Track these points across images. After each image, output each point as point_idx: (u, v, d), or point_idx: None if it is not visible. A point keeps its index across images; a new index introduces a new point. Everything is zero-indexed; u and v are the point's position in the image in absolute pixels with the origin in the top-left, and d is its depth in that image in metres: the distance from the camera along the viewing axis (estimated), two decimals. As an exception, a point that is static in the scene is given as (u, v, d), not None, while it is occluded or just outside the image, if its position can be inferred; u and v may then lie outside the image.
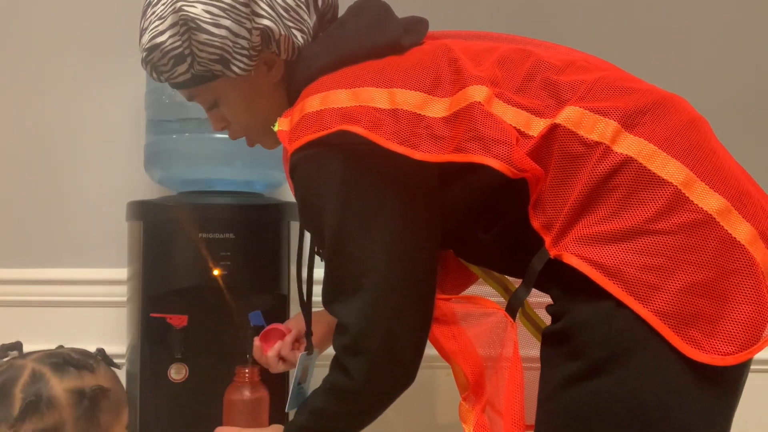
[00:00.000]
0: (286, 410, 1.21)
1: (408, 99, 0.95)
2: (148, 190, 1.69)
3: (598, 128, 0.89)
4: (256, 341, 1.27)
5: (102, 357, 1.07)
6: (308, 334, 1.21)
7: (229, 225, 1.44)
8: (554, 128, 0.90)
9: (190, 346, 1.44)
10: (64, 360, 1.01)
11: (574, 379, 0.86)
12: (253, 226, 1.47)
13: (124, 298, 1.58)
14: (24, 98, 1.88)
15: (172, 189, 1.64)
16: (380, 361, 0.99)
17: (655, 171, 0.86)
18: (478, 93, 0.93)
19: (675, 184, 0.85)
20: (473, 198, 0.98)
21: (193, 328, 1.43)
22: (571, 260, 0.86)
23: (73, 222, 1.86)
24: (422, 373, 1.02)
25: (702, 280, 0.83)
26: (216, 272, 1.42)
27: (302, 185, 1.00)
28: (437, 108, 0.94)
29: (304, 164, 0.98)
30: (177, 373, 1.44)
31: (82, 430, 0.98)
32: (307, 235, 1.16)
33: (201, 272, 1.42)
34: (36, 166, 1.88)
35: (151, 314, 1.44)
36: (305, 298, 1.20)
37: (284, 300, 1.49)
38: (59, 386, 0.98)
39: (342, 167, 0.96)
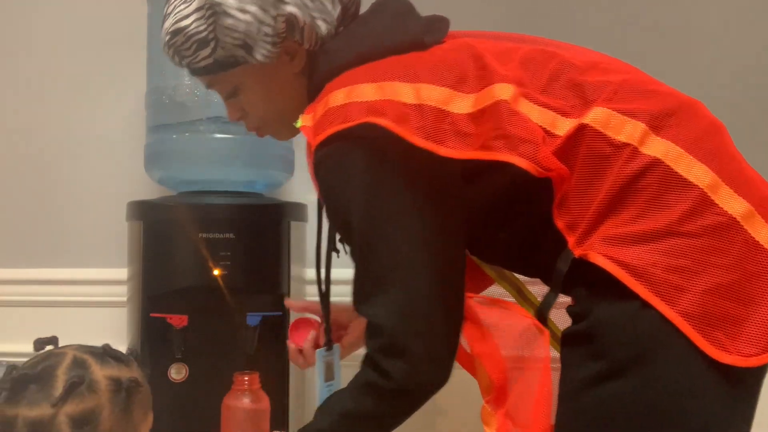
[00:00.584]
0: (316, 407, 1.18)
1: (433, 94, 0.93)
2: (148, 190, 1.69)
3: (626, 129, 0.89)
4: (290, 343, 1.23)
5: (135, 357, 1.08)
6: (327, 329, 1.20)
7: (229, 225, 1.44)
8: (582, 128, 0.90)
9: (190, 346, 1.44)
10: (103, 351, 1.02)
11: (597, 380, 0.86)
12: (253, 226, 1.47)
13: (124, 298, 1.58)
14: (24, 98, 1.88)
15: (172, 189, 1.64)
16: (420, 359, 0.95)
17: (682, 173, 0.87)
18: (504, 91, 0.92)
19: (701, 187, 0.86)
20: (495, 196, 0.97)
21: (193, 328, 1.43)
22: (597, 259, 0.86)
23: (73, 222, 1.86)
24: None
25: (726, 283, 0.84)
26: (216, 272, 1.42)
27: (327, 181, 0.98)
28: (463, 104, 0.93)
29: (329, 159, 0.96)
30: (177, 373, 1.44)
31: (117, 420, 0.99)
32: (325, 229, 1.15)
33: (201, 272, 1.42)
34: (36, 166, 1.88)
35: (151, 314, 1.44)
36: (323, 291, 1.18)
37: (284, 300, 1.49)
38: (100, 372, 0.99)
39: (367, 161, 0.94)
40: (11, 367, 1.00)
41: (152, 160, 1.63)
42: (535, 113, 0.92)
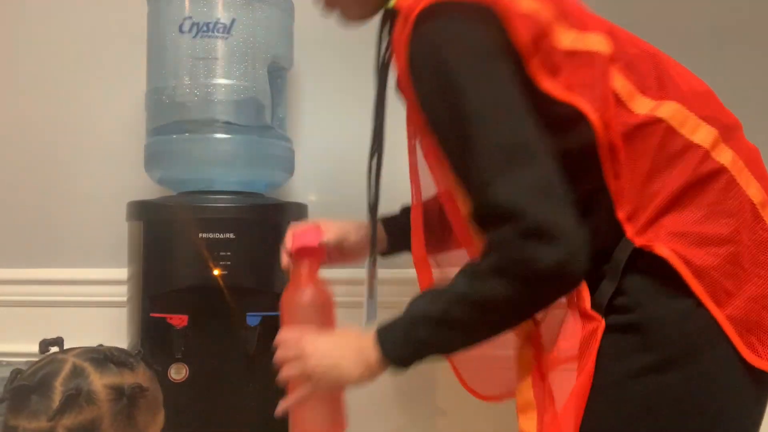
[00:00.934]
0: (364, 325, 1.10)
1: (542, 11, 0.92)
2: (148, 190, 1.69)
3: (701, 132, 0.93)
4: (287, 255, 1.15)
5: (142, 357, 1.07)
6: (373, 241, 1.16)
7: (229, 225, 1.44)
8: (657, 122, 0.93)
9: (190, 346, 1.44)
10: (104, 357, 1.01)
11: (645, 371, 0.89)
12: (253, 226, 1.47)
13: (124, 298, 1.59)
14: (24, 98, 1.88)
15: (172, 189, 1.64)
16: (572, 236, 0.85)
17: (743, 186, 0.92)
18: (601, 44, 0.94)
19: (755, 202, 0.92)
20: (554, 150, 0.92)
21: (193, 328, 1.43)
22: (663, 251, 0.89)
23: (73, 222, 1.86)
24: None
25: (766, 294, 0.90)
26: (216, 272, 1.42)
27: (431, 55, 0.91)
28: (563, 37, 0.93)
29: (436, 31, 0.91)
30: (177, 373, 1.44)
31: (119, 428, 0.98)
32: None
33: (201, 272, 1.42)
34: (36, 166, 1.88)
35: (151, 314, 1.44)
36: (372, 202, 1.14)
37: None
38: (99, 382, 0.98)
39: (482, 35, 0.90)
40: (16, 371, 1.00)
41: (152, 161, 1.63)
42: (618, 80, 0.94)
